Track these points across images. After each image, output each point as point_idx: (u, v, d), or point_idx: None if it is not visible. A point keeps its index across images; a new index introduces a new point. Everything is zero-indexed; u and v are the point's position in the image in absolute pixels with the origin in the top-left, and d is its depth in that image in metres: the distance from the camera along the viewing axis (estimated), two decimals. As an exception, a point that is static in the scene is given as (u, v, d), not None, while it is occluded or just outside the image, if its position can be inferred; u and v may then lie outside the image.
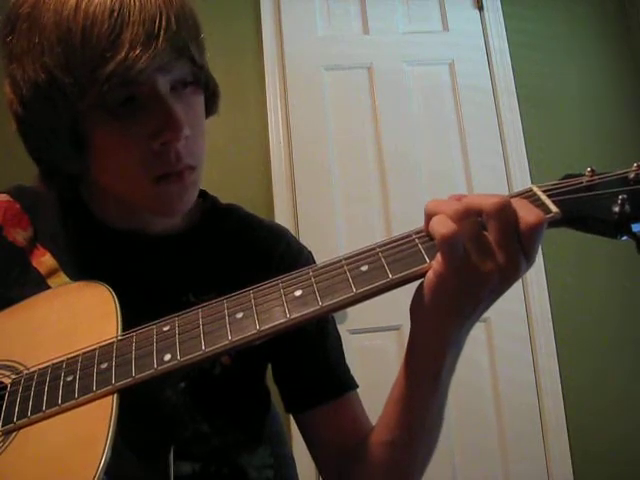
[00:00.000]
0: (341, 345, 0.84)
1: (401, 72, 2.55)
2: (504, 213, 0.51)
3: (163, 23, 0.62)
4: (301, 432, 0.81)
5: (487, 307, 0.56)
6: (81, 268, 0.74)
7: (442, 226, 0.52)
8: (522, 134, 2.52)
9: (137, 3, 0.62)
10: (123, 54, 0.60)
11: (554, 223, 0.54)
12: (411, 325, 0.60)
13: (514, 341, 2.36)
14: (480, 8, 2.64)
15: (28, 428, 0.57)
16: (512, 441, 2.29)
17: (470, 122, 2.52)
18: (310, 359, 0.80)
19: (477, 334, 2.32)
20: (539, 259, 2.36)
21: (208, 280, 0.76)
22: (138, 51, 0.61)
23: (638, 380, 2.39)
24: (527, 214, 0.52)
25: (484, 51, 2.60)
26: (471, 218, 0.52)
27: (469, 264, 0.52)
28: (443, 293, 0.54)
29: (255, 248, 0.82)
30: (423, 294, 0.55)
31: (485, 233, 0.52)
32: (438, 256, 0.53)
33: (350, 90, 2.53)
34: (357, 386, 0.82)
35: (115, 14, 0.61)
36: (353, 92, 2.53)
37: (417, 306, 0.57)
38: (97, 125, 0.65)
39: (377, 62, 2.55)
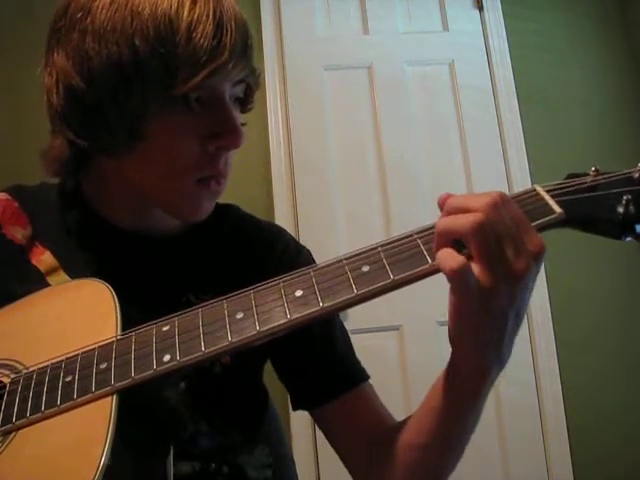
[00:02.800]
0: (348, 338, 0.83)
1: (401, 72, 2.55)
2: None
3: (249, 39, 0.68)
4: (320, 427, 0.80)
5: (513, 323, 0.55)
6: (81, 266, 0.73)
7: (451, 260, 0.50)
8: (522, 134, 2.52)
9: (232, 12, 0.66)
10: (223, 58, 0.64)
11: (558, 224, 0.53)
12: (452, 352, 0.60)
13: (514, 342, 2.36)
14: (480, 8, 2.64)
15: (27, 429, 0.57)
16: (512, 442, 2.28)
17: (470, 122, 2.52)
18: (319, 352, 0.79)
19: (477, 334, 2.31)
20: (539, 259, 2.36)
21: (208, 280, 0.75)
22: (236, 59, 0.65)
23: (638, 381, 2.39)
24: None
25: (484, 51, 2.60)
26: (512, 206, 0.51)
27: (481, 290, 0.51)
28: (465, 323, 0.54)
29: (254, 248, 0.82)
30: (452, 325, 0.55)
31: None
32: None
33: (350, 90, 2.53)
34: (369, 377, 0.81)
35: (217, 17, 0.64)
36: (353, 92, 2.53)
37: (452, 336, 0.57)
38: (163, 114, 0.66)
39: (377, 62, 2.54)
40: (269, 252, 0.82)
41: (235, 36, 0.65)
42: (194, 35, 0.62)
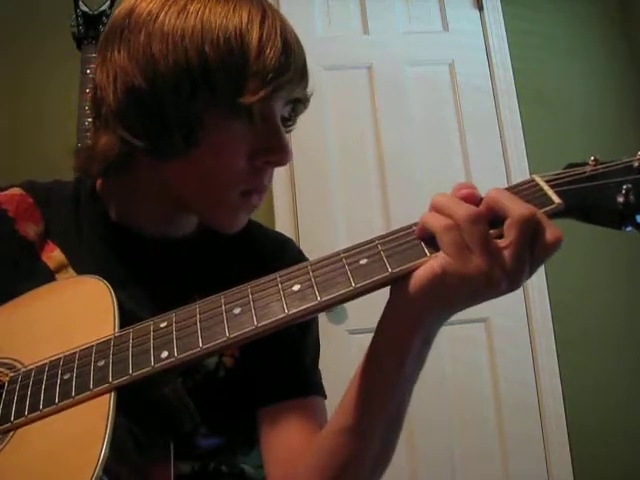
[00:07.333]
0: (317, 352, 0.83)
1: (401, 72, 2.55)
2: (530, 226, 0.50)
3: (307, 67, 0.71)
4: (259, 428, 0.76)
5: (468, 307, 0.55)
6: (90, 265, 0.74)
7: (435, 220, 0.52)
8: (522, 134, 2.52)
9: (294, 35, 0.70)
10: (289, 76, 0.67)
11: (557, 214, 0.53)
12: (387, 304, 0.57)
13: (514, 341, 2.36)
14: (480, 8, 2.64)
15: (26, 427, 0.57)
16: (512, 442, 2.28)
17: (470, 122, 2.52)
18: (284, 357, 0.78)
19: (477, 334, 2.31)
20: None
21: (216, 283, 0.76)
22: (298, 78, 0.69)
23: (639, 380, 2.39)
24: (549, 233, 0.51)
25: (484, 51, 2.60)
26: (481, 225, 0.50)
27: (477, 267, 0.51)
28: (440, 286, 0.52)
29: (261, 255, 0.82)
30: (415, 279, 0.53)
31: (495, 240, 0.51)
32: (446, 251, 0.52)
33: (350, 90, 2.53)
34: (325, 396, 0.79)
35: (284, 36, 0.67)
36: (353, 92, 2.52)
37: (400, 289, 0.55)
38: (221, 122, 0.67)
39: (377, 62, 2.54)
40: (274, 259, 0.82)
41: (298, 56, 0.68)
42: (265, 50, 0.65)
